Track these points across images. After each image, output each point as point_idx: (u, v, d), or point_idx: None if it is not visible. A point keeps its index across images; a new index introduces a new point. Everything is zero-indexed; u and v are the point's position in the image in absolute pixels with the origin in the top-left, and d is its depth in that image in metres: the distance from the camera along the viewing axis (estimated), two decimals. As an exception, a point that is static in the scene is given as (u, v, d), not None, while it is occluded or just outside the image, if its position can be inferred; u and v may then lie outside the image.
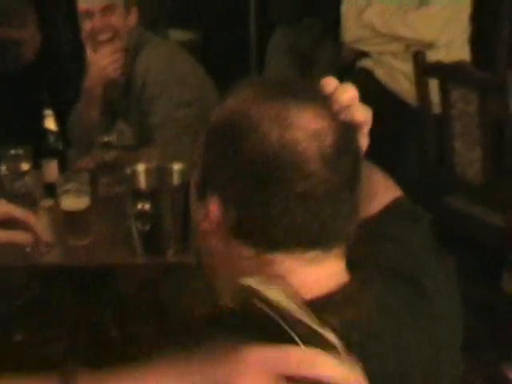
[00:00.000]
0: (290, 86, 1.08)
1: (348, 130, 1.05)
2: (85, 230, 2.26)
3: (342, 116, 1.06)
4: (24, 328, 2.16)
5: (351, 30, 3.76)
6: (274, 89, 1.06)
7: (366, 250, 1.18)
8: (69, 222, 2.25)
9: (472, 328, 2.99)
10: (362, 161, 1.13)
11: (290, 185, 0.99)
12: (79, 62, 3.62)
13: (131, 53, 2.87)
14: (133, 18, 2.88)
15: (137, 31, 2.91)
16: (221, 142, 1.03)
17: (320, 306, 1.02)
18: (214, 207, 1.04)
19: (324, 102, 1.05)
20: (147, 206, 2.08)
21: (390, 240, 1.22)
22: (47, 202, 2.52)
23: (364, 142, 1.16)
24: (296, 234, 1.00)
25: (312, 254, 1.02)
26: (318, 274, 1.04)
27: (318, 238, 1.02)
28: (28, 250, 1.54)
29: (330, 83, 1.11)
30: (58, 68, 4.56)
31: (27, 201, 2.27)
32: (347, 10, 3.76)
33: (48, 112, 2.60)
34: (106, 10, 2.80)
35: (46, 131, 2.61)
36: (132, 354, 2.07)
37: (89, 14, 2.80)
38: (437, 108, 3.25)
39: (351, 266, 1.09)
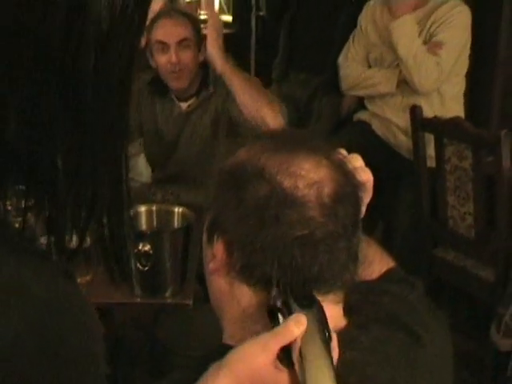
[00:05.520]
0: (296, 139, 1.16)
1: (348, 181, 1.11)
2: (85, 268, 2.29)
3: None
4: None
5: (348, 78, 3.85)
6: (281, 141, 1.14)
7: (365, 301, 1.23)
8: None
9: (461, 380, 3.02)
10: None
11: (290, 228, 1.05)
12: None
13: (213, 82, 2.96)
14: (203, 53, 2.96)
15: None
16: (229, 188, 1.10)
17: None
18: (219, 249, 1.10)
19: (327, 153, 1.11)
20: (148, 247, 2.12)
21: (388, 294, 1.28)
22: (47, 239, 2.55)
23: (367, 196, 1.24)
24: (294, 275, 1.06)
25: None
26: None
27: (315, 281, 1.07)
28: None
29: (341, 152, 1.20)
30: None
31: (28, 236, 2.30)
32: (343, 60, 3.86)
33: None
34: (182, 43, 2.89)
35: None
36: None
37: (164, 47, 2.89)
38: (432, 161, 3.31)
39: (349, 312, 1.14)
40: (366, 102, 3.91)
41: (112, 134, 0.82)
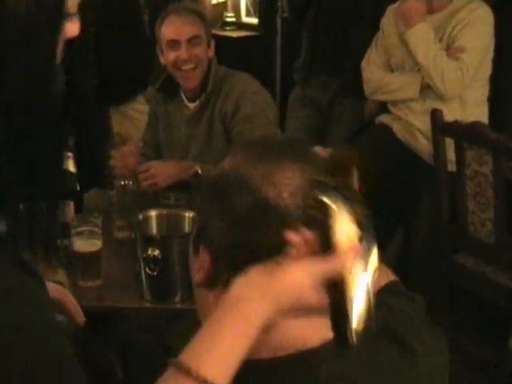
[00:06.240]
0: (280, 147, 1.14)
1: None
2: (95, 272, 2.30)
3: None
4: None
5: (370, 82, 3.82)
6: (265, 149, 1.12)
7: None
8: (80, 263, 2.30)
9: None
10: None
11: (275, 236, 1.03)
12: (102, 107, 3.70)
13: (215, 82, 2.97)
14: (212, 50, 2.99)
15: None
16: (213, 198, 1.10)
17: (303, 359, 1.05)
18: (206, 261, 1.09)
19: (311, 161, 1.10)
20: (157, 252, 2.12)
21: (384, 306, 1.25)
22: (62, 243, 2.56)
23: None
24: None
25: None
26: (302, 327, 1.08)
27: None
28: None
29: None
30: (82, 111, 4.63)
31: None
32: (365, 64, 3.84)
33: (67, 154, 2.66)
34: (193, 40, 2.91)
35: (65, 173, 2.66)
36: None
37: (175, 44, 2.91)
38: (452, 166, 3.28)
39: None
40: (388, 104, 3.87)
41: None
